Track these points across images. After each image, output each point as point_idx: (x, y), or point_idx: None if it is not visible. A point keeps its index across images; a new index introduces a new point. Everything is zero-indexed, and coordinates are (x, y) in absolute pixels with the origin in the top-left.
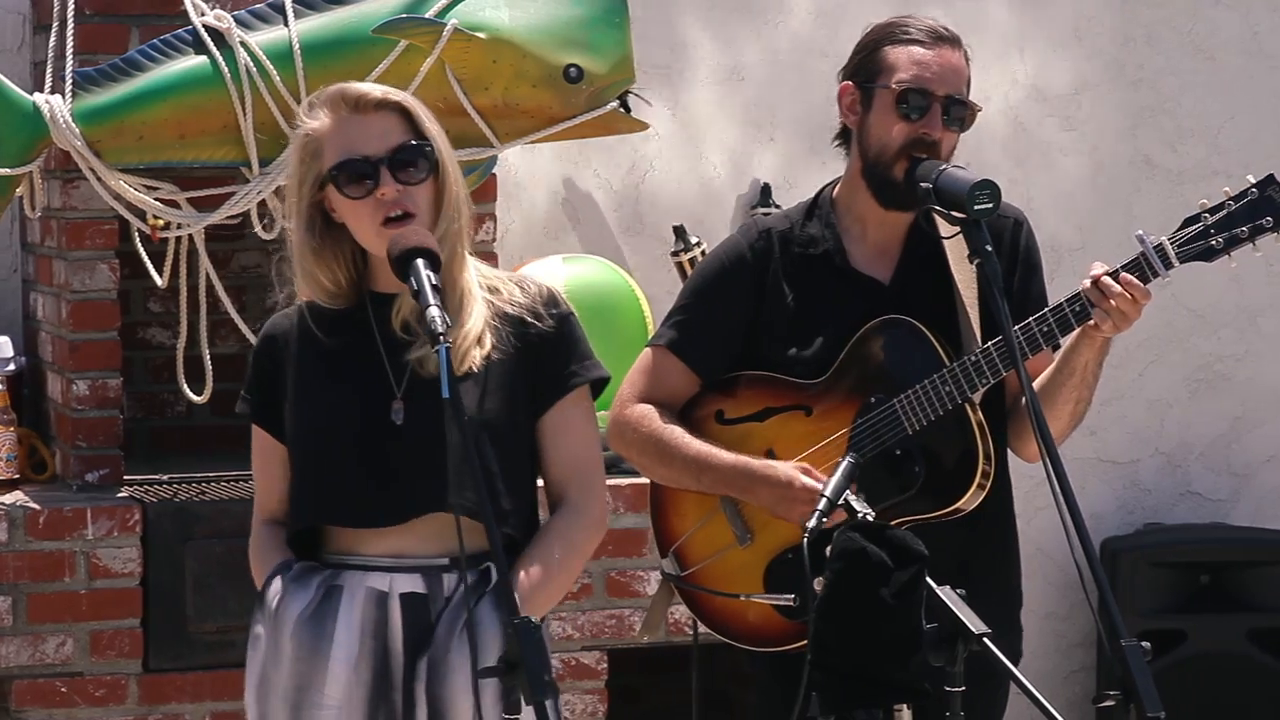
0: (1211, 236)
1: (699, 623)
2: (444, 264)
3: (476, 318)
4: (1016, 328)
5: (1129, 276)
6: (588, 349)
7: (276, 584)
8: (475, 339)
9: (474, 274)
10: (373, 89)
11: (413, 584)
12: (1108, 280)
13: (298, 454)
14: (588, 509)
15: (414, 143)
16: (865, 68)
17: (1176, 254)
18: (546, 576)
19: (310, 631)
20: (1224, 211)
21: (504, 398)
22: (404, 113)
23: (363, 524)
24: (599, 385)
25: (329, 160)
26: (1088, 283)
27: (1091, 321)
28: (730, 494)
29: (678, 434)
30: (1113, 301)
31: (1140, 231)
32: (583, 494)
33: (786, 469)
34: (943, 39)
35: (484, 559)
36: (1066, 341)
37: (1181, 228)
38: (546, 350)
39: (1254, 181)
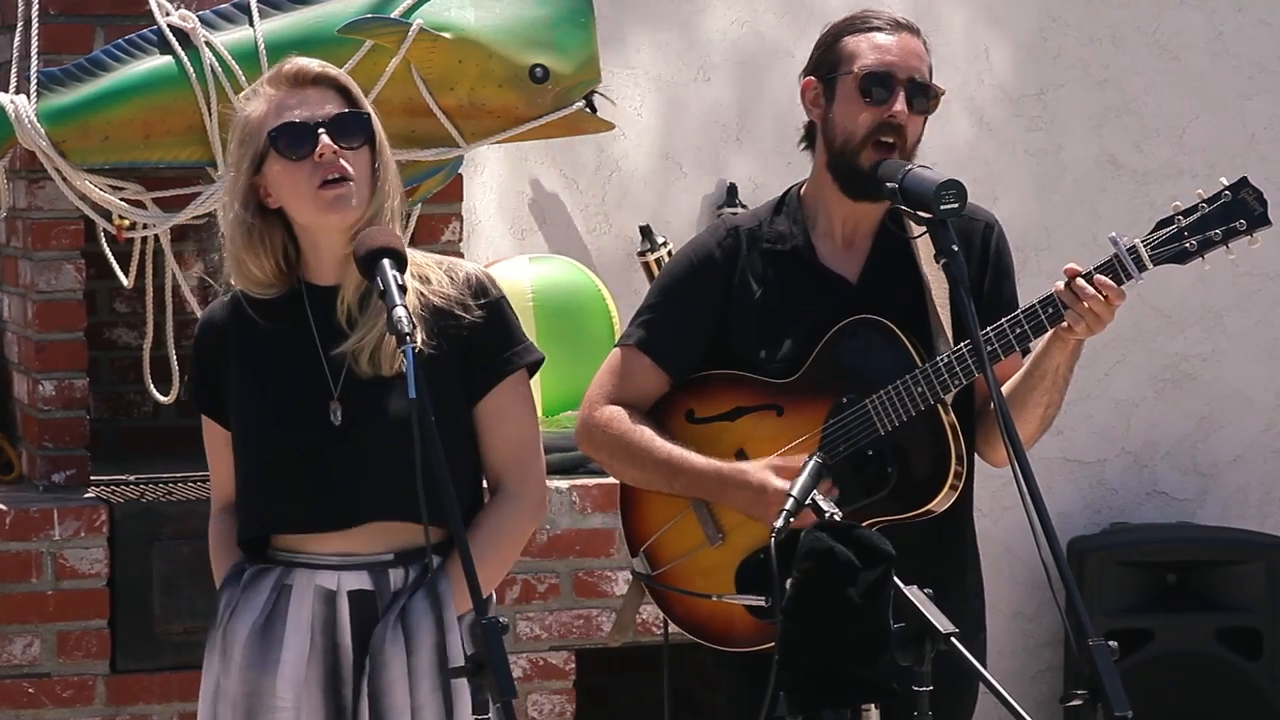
0: (1185, 239)
1: (669, 623)
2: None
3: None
4: (989, 330)
5: (1102, 278)
6: (521, 333)
7: (226, 597)
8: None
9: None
10: (310, 63)
11: (360, 581)
12: (1081, 282)
13: (240, 459)
14: (523, 494)
15: (351, 111)
16: (826, 61)
17: (1150, 256)
18: (481, 566)
19: (261, 639)
20: (1197, 214)
21: (439, 392)
22: (340, 89)
23: (307, 530)
24: (534, 368)
25: (270, 125)
26: (1061, 284)
27: (1064, 324)
28: (703, 497)
29: (648, 436)
30: (1086, 304)
31: (1114, 234)
32: (518, 480)
33: (759, 473)
34: (902, 26)
35: (423, 553)
36: (1038, 345)
37: (1155, 230)
38: (478, 340)
39: (1227, 184)
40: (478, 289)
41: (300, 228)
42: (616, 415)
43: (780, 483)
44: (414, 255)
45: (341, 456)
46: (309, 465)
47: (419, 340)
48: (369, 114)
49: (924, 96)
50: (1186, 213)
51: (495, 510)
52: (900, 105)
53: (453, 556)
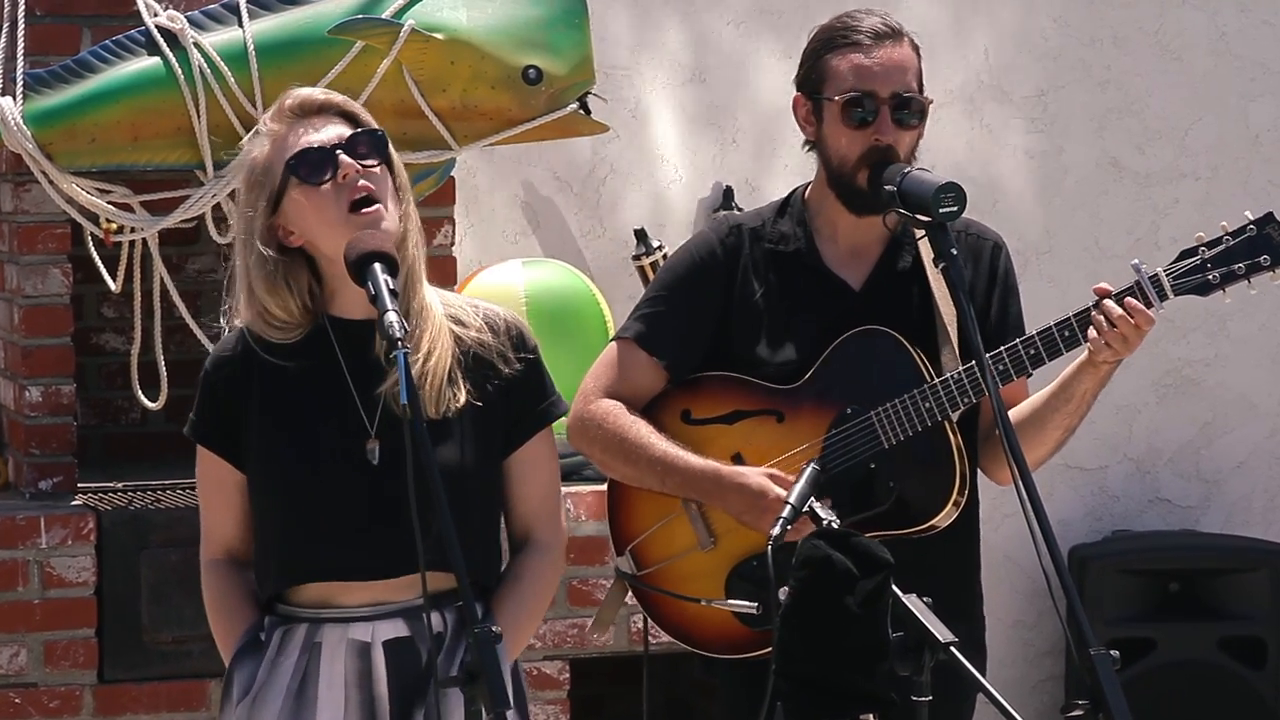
0: (1208, 270)
1: (650, 627)
2: (405, 269)
3: (443, 350)
4: (1002, 349)
5: (1133, 301)
6: (551, 384)
7: (246, 671)
8: (445, 375)
9: (433, 294)
10: (312, 92)
11: (395, 629)
12: (1110, 304)
13: (266, 507)
14: (554, 545)
15: (364, 132)
16: (811, 79)
17: (1172, 286)
18: (521, 619)
19: (295, 704)
20: (1221, 247)
21: (481, 446)
22: (346, 115)
23: (348, 578)
24: (559, 418)
25: (284, 159)
26: (1097, 314)
27: (1087, 347)
28: (696, 498)
29: (644, 431)
30: (1119, 328)
31: (1136, 261)
32: (548, 531)
33: (759, 478)
34: (882, 36)
35: (458, 595)
36: (1067, 370)
37: (1178, 260)
38: (517, 393)
39: (1252, 219)
40: (518, 340)
41: (327, 260)
42: (612, 409)
43: (780, 491)
44: (442, 294)
45: (382, 498)
46: (349, 510)
47: (462, 392)
48: (383, 131)
49: (910, 109)
50: (1210, 244)
51: (536, 562)
52: (886, 126)
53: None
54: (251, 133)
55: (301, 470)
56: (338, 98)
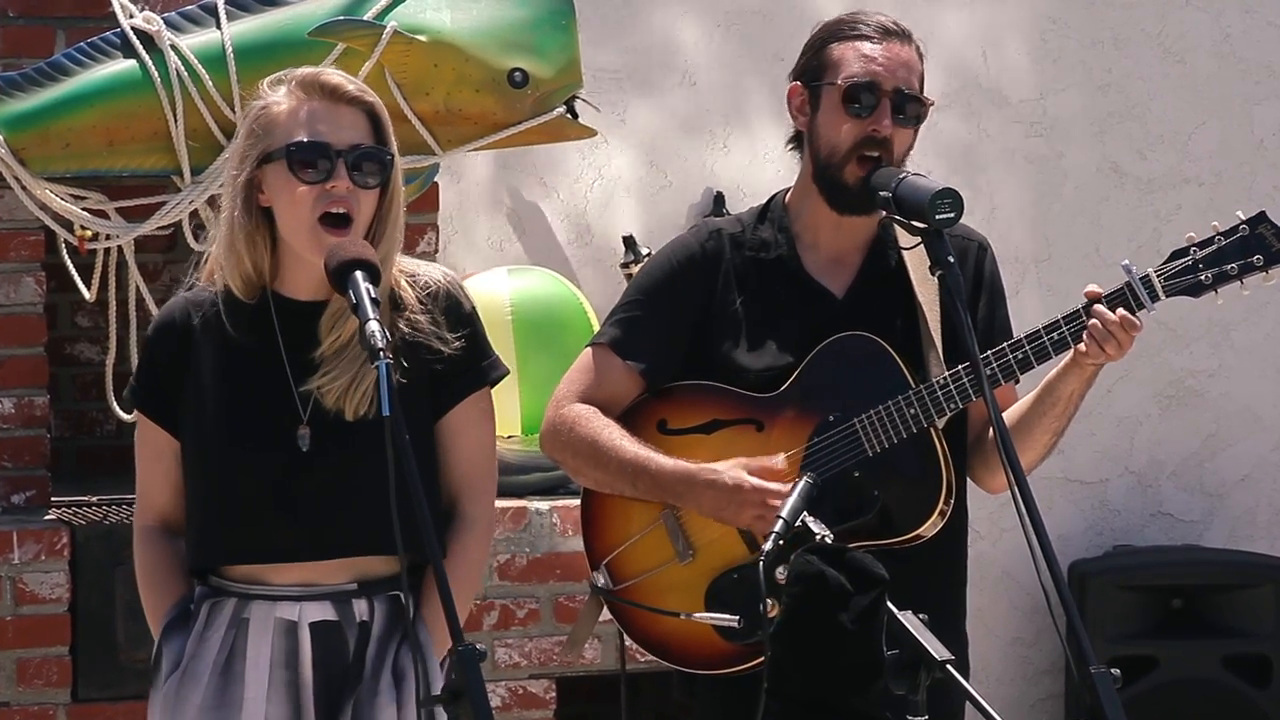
0: (1200, 272)
1: (624, 637)
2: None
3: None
4: (989, 353)
5: (1124, 313)
6: (488, 346)
7: (175, 645)
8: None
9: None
10: (347, 82)
11: (323, 611)
12: (1101, 307)
13: (195, 478)
14: (480, 519)
15: (376, 147)
16: (812, 67)
17: (1163, 287)
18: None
19: (222, 678)
20: (1213, 247)
21: (415, 419)
22: (373, 117)
23: (272, 560)
24: (496, 383)
25: (285, 137)
26: (1100, 309)
27: (1081, 348)
28: (669, 500)
29: (615, 435)
30: (1111, 331)
31: (1126, 261)
32: (474, 503)
33: (732, 471)
34: (891, 33)
35: (390, 584)
36: (1052, 373)
37: (1169, 260)
38: (450, 361)
39: (1244, 218)
40: (454, 306)
41: (282, 237)
42: (584, 413)
43: (755, 481)
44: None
45: (310, 485)
46: (276, 493)
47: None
48: (392, 155)
49: (911, 108)
50: (1202, 244)
51: (459, 543)
52: (885, 118)
53: (428, 596)
54: (273, 78)
55: (228, 450)
56: (370, 97)
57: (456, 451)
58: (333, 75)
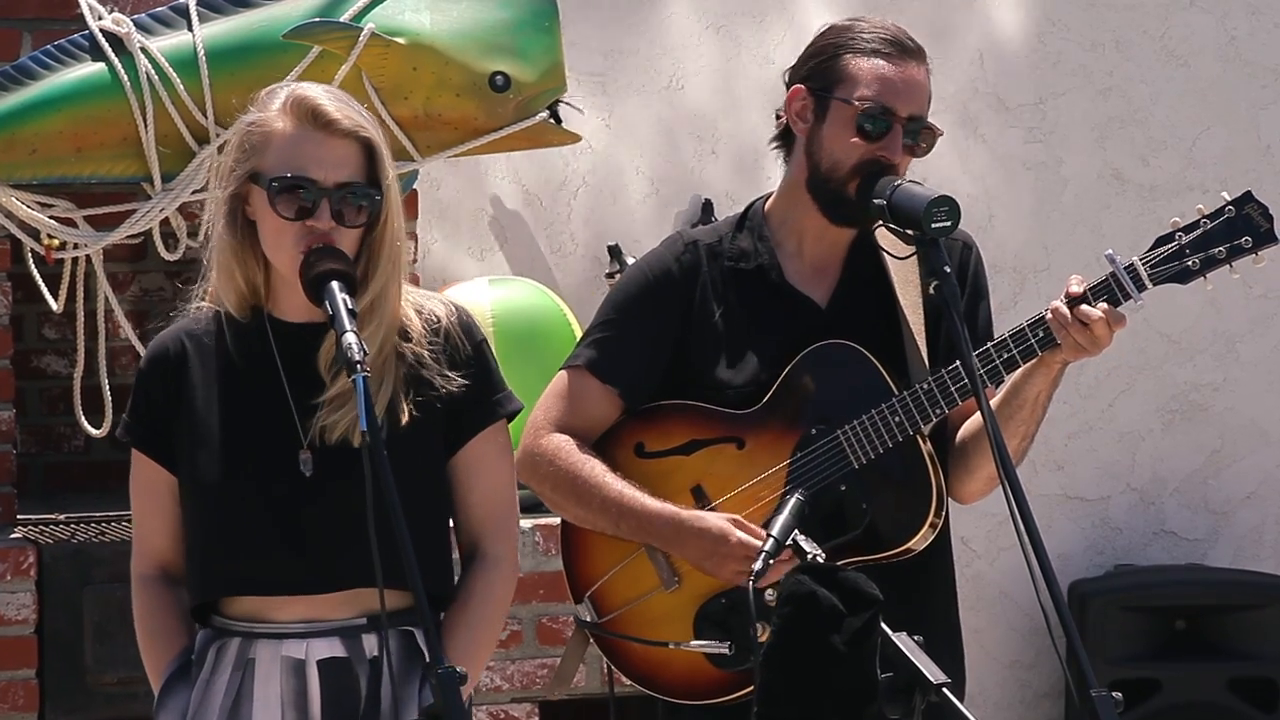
0: (1187, 257)
1: (613, 672)
2: (377, 319)
3: (387, 384)
4: (975, 353)
5: (1107, 306)
6: (501, 379)
7: (177, 698)
8: (385, 402)
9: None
10: (343, 116)
11: (331, 648)
12: (1087, 309)
13: (195, 512)
14: (505, 558)
15: (364, 186)
16: (822, 74)
17: (1150, 275)
18: (476, 645)
19: None
20: (1199, 230)
21: (422, 454)
22: (368, 149)
23: (278, 592)
24: (513, 417)
25: (271, 166)
26: (1058, 304)
27: (1062, 355)
28: (653, 544)
29: (598, 471)
30: (1091, 326)
31: (1110, 251)
32: (498, 542)
33: (719, 522)
34: (908, 52)
35: (402, 618)
36: (1015, 375)
37: (1154, 247)
38: (460, 393)
39: (1230, 199)
40: (461, 339)
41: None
42: (563, 445)
43: (742, 535)
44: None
45: (315, 513)
46: (280, 523)
47: (403, 406)
48: (381, 193)
49: (922, 136)
50: (1187, 229)
51: (483, 579)
52: (896, 145)
53: (449, 634)
54: (270, 90)
55: (227, 477)
56: (366, 131)
57: (474, 490)
58: (328, 105)
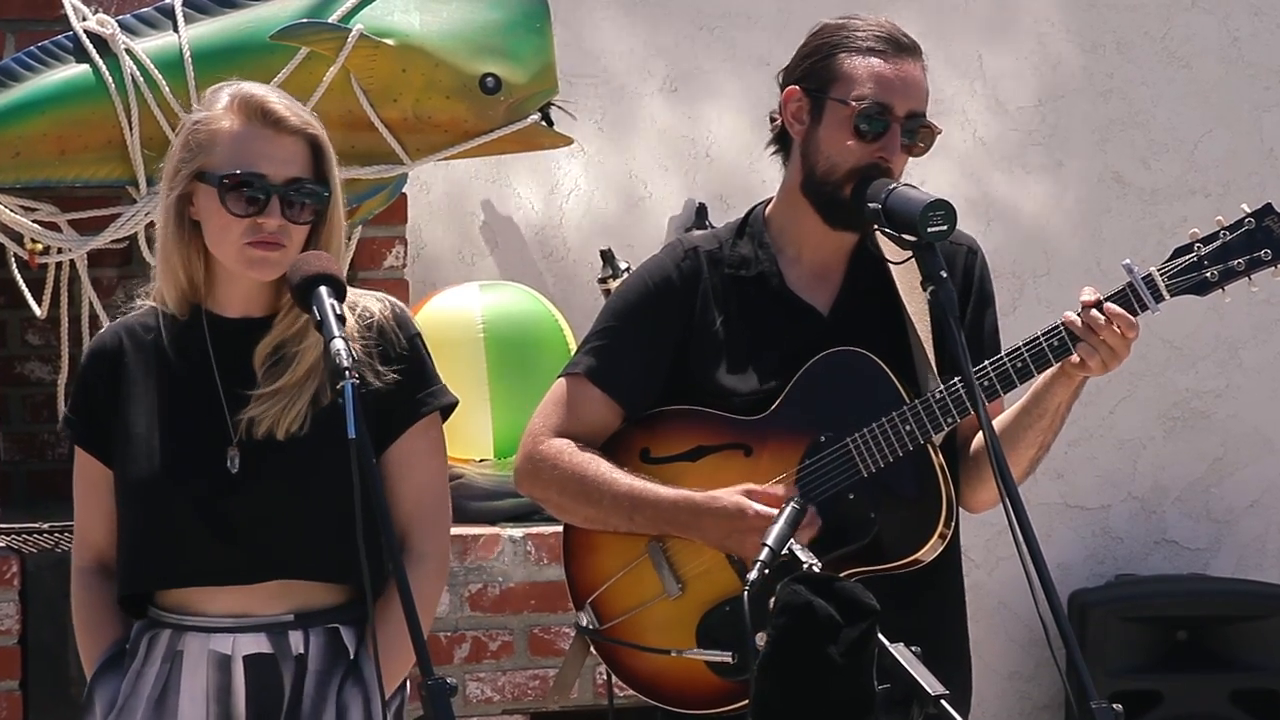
0: (1205, 268)
1: (612, 679)
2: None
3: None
4: (987, 363)
5: (1115, 308)
6: (434, 373)
7: (109, 688)
8: (309, 397)
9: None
10: (291, 114)
11: (257, 644)
12: (1095, 313)
13: (127, 506)
14: (431, 554)
15: (312, 183)
16: (816, 74)
17: (1168, 287)
18: (403, 639)
19: (154, 714)
20: (1218, 242)
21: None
22: (315, 147)
23: (203, 583)
24: (447, 411)
25: (219, 164)
26: (1071, 315)
27: (1075, 358)
28: (670, 532)
29: (604, 468)
30: (1101, 335)
31: (1127, 261)
32: (425, 538)
33: (735, 498)
34: (904, 49)
35: (328, 616)
36: (1037, 383)
37: (1171, 258)
38: (389, 393)
39: (1250, 211)
40: (395, 335)
41: (212, 255)
42: (566, 448)
43: (760, 507)
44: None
45: (241, 508)
46: (205, 517)
47: (325, 400)
48: (329, 190)
49: (920, 135)
50: (1206, 240)
51: (409, 575)
52: (893, 146)
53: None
54: (215, 89)
55: (157, 472)
56: (314, 129)
57: (404, 485)
58: (276, 103)
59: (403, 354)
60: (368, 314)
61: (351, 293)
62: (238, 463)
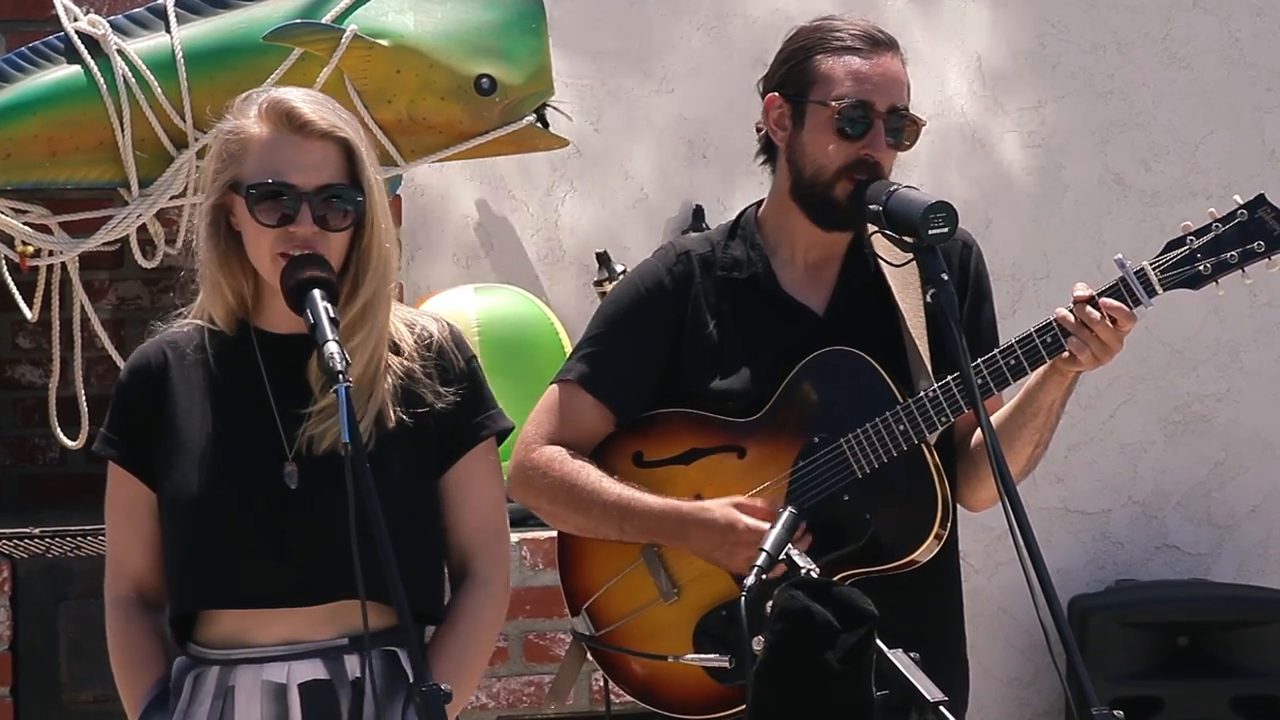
0: (1198, 261)
1: (609, 684)
2: (368, 326)
3: (377, 396)
4: (980, 361)
5: (1110, 301)
6: (491, 397)
7: None
8: (374, 414)
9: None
10: (319, 118)
11: (313, 670)
12: (1089, 309)
13: (175, 525)
14: (495, 579)
15: (346, 188)
16: (794, 78)
17: (1160, 280)
18: (462, 666)
19: None
20: (1211, 235)
21: (413, 465)
22: (347, 151)
23: (259, 605)
24: (503, 436)
25: (249, 173)
26: (1063, 311)
27: (1066, 353)
28: (659, 541)
29: (594, 476)
30: (1092, 330)
31: (1120, 256)
32: (488, 563)
33: (725, 510)
34: (880, 44)
35: (385, 637)
36: (1030, 381)
37: (1164, 252)
38: (451, 410)
39: (1242, 202)
40: (452, 355)
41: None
42: (557, 456)
43: (750, 521)
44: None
45: (300, 525)
46: (263, 533)
47: (391, 417)
48: (364, 196)
49: (905, 129)
50: (1199, 233)
51: (472, 602)
52: (879, 142)
53: (434, 654)
54: (245, 97)
55: (209, 489)
56: (344, 131)
57: (464, 509)
58: (304, 107)
59: (461, 375)
60: (427, 334)
61: (409, 312)
62: (297, 479)
